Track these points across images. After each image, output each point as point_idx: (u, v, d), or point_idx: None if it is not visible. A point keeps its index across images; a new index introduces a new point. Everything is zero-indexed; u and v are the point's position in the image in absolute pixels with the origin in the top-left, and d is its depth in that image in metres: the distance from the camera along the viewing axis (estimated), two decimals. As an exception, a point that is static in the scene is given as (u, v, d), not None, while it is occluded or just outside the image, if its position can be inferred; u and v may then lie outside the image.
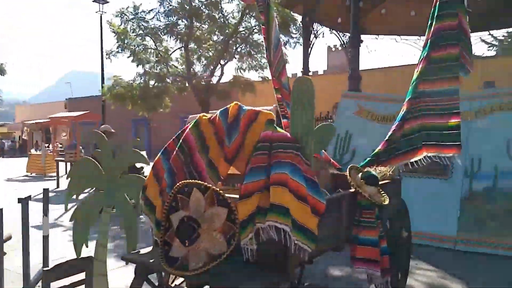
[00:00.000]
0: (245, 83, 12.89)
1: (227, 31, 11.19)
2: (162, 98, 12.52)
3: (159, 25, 11.59)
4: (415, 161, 3.91)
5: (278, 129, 2.49)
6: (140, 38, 11.93)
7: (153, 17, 11.81)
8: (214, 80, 12.13)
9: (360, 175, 3.09)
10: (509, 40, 26.79)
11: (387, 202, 3.01)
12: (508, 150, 5.67)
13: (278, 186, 2.16)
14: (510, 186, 5.43)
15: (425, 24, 3.99)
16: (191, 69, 11.79)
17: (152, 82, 12.05)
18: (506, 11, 9.47)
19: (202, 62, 12.13)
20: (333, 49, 33.56)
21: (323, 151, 4.40)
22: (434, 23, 3.85)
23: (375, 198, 2.93)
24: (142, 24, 11.76)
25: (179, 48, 11.73)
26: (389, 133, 3.97)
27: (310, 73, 24.74)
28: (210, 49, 11.66)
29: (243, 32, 11.74)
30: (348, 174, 3.08)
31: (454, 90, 3.71)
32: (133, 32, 11.91)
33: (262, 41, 14.14)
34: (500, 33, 26.84)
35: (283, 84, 4.43)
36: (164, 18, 11.27)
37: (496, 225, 5.32)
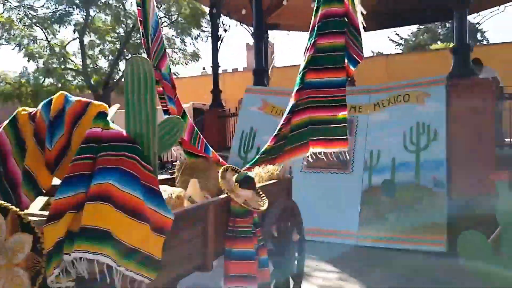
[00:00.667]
0: None
1: (128, 21, 10.30)
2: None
3: (50, 14, 10.32)
4: (313, 155, 3.67)
5: (112, 124, 1.94)
6: (28, 28, 10.54)
7: (43, 5, 10.50)
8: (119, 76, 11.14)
9: (234, 177, 2.65)
10: (414, 39, 28.95)
11: (265, 207, 2.61)
12: (404, 142, 5.70)
13: (96, 202, 1.62)
14: (406, 178, 5.45)
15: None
16: (95, 64, 10.71)
17: (48, 79, 10.72)
18: (411, 10, 9.97)
19: (105, 56, 11.07)
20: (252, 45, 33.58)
21: (211, 149, 3.95)
22: (320, 7, 3.58)
23: (250, 204, 2.52)
24: (30, 13, 10.39)
25: (73, 39, 10.56)
26: (278, 128, 3.62)
27: (230, 70, 24.51)
28: (111, 42, 10.65)
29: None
30: (220, 177, 2.64)
31: (341, 81, 3.47)
32: (19, 22, 10.49)
33: (173, 35, 13.45)
34: (405, 32, 29.06)
35: (163, 74, 3.87)
36: (53, 5, 10.02)
37: (395, 219, 5.30)
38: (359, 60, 3.67)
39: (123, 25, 10.68)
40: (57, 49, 10.99)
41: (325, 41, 3.48)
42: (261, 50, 7.43)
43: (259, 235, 2.65)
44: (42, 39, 10.97)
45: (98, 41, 10.88)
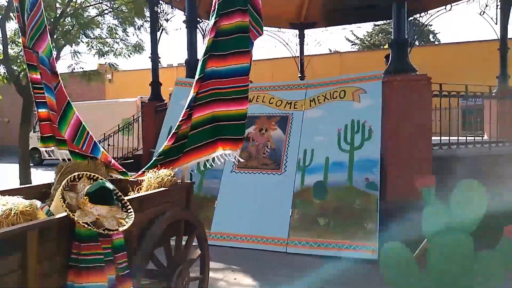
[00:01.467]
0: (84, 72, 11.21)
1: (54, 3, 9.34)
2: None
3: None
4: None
5: None
6: None
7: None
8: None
9: (86, 189, 2.08)
10: (369, 38, 29.31)
11: (126, 226, 2.07)
12: (338, 141, 5.34)
13: None
14: (338, 180, 5.08)
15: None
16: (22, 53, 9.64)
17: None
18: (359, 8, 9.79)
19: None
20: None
21: (101, 149, 3.36)
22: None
23: (103, 223, 1.96)
24: None
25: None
26: (176, 124, 3.09)
27: (176, 64, 23.61)
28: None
29: (74, 6, 9.95)
30: (61, 191, 2.06)
31: (245, 68, 2.98)
32: None
33: (115, 25, 12.53)
34: (361, 32, 29.39)
35: (40, 58, 3.22)
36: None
37: (325, 223, 4.92)
38: (253, 41, 3.18)
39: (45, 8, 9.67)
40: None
41: (227, 22, 2.98)
42: (194, 39, 6.84)
43: (122, 262, 2.11)
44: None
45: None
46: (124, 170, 3.35)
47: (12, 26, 10.31)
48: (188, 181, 3.12)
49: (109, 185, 2.11)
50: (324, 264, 4.44)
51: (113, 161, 3.34)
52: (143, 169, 3.12)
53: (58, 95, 3.30)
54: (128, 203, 2.22)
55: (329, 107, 5.65)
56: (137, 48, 12.86)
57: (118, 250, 2.10)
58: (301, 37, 12.09)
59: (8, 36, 9.56)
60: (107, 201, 2.05)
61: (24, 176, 9.05)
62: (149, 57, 8.13)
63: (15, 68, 9.36)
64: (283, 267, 4.44)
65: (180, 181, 3.01)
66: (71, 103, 3.36)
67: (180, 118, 3.05)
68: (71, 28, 9.81)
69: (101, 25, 12.08)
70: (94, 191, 2.03)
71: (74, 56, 10.60)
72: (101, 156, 3.29)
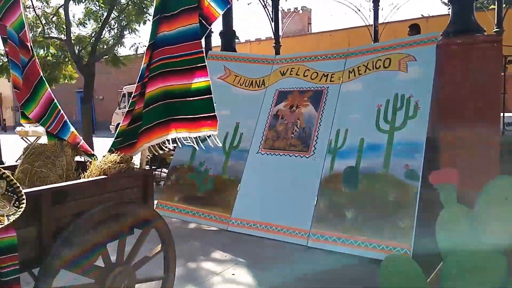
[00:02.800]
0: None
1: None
2: (58, 69, 10.72)
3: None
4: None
5: None
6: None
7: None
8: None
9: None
10: None
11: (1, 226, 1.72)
12: (377, 120, 4.48)
13: None
14: (372, 165, 4.27)
15: None
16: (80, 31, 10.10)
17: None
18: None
19: (96, 20, 10.33)
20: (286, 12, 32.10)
21: (71, 129, 3.10)
22: None
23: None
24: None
25: (60, 6, 9.93)
26: (130, 101, 2.67)
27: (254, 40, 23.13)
28: (101, 5, 9.85)
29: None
30: None
31: (193, 30, 2.41)
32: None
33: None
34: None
35: (8, 32, 3.01)
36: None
37: (353, 217, 4.19)
38: (230, 1, 2.56)
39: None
40: (53, 19, 10.48)
41: None
42: (230, 8, 6.31)
43: (8, 265, 1.79)
44: (38, 7, 10.49)
45: (85, 7, 10.17)
46: (93, 152, 3.06)
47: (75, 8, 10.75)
48: (146, 169, 2.70)
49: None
50: (344, 263, 3.79)
51: (82, 142, 3.06)
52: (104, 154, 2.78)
53: (29, 71, 3.08)
54: (23, 197, 1.88)
55: (370, 79, 4.77)
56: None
57: (3, 251, 1.78)
58: (375, 1, 10.75)
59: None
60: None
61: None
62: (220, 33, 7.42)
63: (77, 48, 9.79)
64: (299, 263, 3.89)
65: (137, 167, 2.61)
66: (44, 79, 3.13)
67: (133, 94, 2.62)
68: (131, 6, 9.85)
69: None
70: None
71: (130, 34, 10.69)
72: (69, 137, 3.03)
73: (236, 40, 7.04)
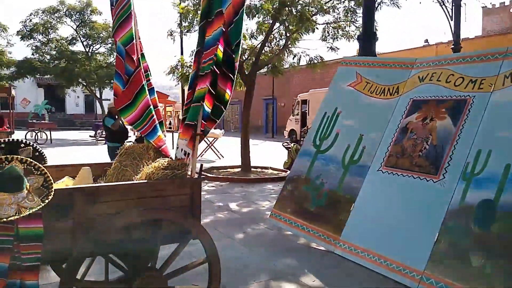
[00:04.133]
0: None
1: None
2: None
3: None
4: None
5: None
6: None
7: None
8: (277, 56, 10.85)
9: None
10: None
11: (21, 215, 1.93)
12: (535, 140, 3.31)
13: None
14: (516, 202, 3.17)
15: None
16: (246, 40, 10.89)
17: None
18: None
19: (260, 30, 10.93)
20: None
21: (158, 133, 3.33)
22: None
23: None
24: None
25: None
26: (184, 109, 2.69)
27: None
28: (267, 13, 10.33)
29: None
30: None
31: (217, 35, 2.22)
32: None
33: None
34: None
35: (117, 46, 3.44)
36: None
37: (481, 264, 3.19)
38: None
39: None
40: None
41: None
42: (371, 8, 5.71)
43: (30, 252, 2.01)
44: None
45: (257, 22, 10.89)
46: (169, 156, 3.20)
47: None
48: (195, 177, 2.64)
49: (15, 173, 2.02)
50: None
51: (164, 146, 3.24)
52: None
53: (134, 79, 3.46)
54: (51, 193, 2.08)
55: (532, 85, 3.56)
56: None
57: (26, 239, 2.01)
58: None
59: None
60: (7, 188, 1.98)
61: (244, 150, 10.27)
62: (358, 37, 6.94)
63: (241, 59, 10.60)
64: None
65: (189, 174, 2.60)
66: (145, 86, 3.46)
67: (185, 102, 2.63)
68: (292, 18, 10.09)
69: (337, 9, 11.84)
70: (-4, 178, 1.99)
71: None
72: (154, 140, 3.26)
73: (424, 43, 6.40)
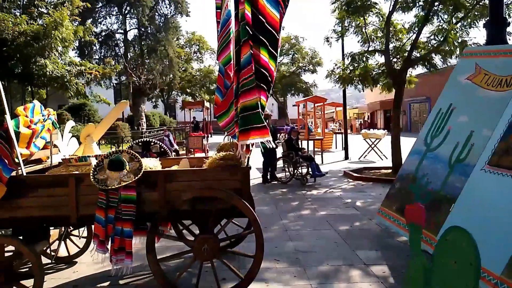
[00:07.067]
0: None
1: None
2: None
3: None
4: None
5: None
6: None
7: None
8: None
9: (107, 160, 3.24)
10: None
11: (120, 185, 3.06)
12: None
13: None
14: None
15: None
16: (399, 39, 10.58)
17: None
18: None
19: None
20: None
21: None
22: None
23: (107, 183, 3.09)
24: None
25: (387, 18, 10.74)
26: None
27: None
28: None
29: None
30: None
31: (249, 59, 2.86)
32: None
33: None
34: None
35: (219, 66, 4.40)
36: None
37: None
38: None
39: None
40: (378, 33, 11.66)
41: (241, 6, 2.94)
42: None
43: (126, 210, 3.13)
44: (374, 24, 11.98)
45: (415, 14, 10.44)
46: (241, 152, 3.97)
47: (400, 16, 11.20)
48: (245, 166, 3.34)
49: (119, 159, 3.17)
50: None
51: (240, 144, 4.03)
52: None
53: (230, 92, 4.38)
54: (140, 174, 3.16)
55: None
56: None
57: (125, 201, 3.14)
58: None
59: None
60: (115, 168, 3.14)
61: (395, 150, 10.08)
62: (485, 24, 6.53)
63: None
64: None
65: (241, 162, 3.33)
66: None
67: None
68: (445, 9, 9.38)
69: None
70: (109, 162, 3.18)
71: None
72: (237, 139, 4.09)
73: None
